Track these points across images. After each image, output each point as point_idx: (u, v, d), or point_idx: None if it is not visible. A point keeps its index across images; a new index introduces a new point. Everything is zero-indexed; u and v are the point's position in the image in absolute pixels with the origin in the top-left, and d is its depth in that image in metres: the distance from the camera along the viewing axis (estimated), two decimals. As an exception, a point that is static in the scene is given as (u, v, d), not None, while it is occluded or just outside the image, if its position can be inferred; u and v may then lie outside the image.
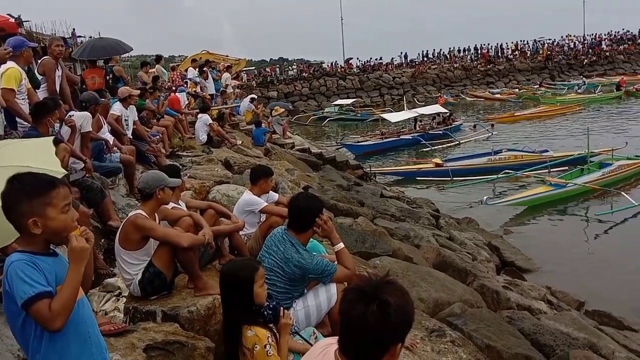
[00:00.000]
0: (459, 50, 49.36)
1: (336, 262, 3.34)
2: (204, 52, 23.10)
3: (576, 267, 8.65)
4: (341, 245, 3.36)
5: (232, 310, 2.66)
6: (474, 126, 24.05)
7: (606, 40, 51.77)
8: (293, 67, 46.60)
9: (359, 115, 31.75)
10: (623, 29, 54.34)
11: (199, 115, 10.30)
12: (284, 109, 19.46)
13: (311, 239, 3.57)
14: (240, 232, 4.30)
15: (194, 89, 13.84)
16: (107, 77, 9.00)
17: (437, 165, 15.67)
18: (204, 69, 14.48)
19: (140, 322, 3.18)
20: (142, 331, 2.99)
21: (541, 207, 11.93)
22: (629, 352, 5.32)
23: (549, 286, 7.30)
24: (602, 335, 5.50)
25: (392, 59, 48.15)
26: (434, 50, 49.70)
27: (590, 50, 48.69)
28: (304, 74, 43.29)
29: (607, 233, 10.35)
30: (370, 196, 10.05)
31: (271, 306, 2.71)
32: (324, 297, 3.24)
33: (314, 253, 3.47)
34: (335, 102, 34.53)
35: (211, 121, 10.26)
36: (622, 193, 11.63)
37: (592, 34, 53.79)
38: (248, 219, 4.47)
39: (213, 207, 4.40)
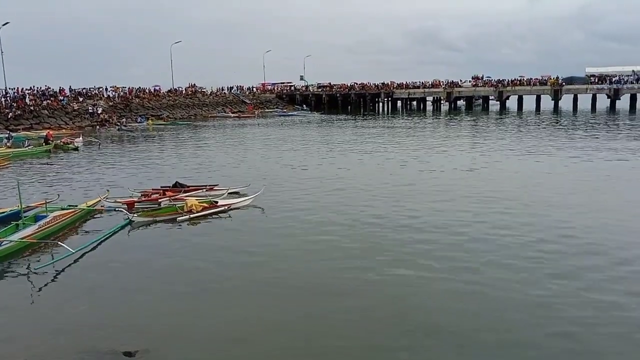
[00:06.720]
0: None
1: None
2: None
3: (15, 334, 8.12)
4: None
5: None
6: None
7: (29, 95, 52.63)
8: None
9: None
10: (46, 86, 56.80)
11: None
12: None
13: None
14: None
15: None
16: None
17: None
18: None
19: None
20: None
21: (-25, 273, 10.67)
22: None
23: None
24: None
25: None
26: None
27: (14, 104, 48.07)
28: None
29: (50, 285, 10.23)
30: None
31: None
32: None
33: None
34: None
35: None
36: (59, 243, 11.85)
37: (14, 88, 53.64)
38: None
39: None
